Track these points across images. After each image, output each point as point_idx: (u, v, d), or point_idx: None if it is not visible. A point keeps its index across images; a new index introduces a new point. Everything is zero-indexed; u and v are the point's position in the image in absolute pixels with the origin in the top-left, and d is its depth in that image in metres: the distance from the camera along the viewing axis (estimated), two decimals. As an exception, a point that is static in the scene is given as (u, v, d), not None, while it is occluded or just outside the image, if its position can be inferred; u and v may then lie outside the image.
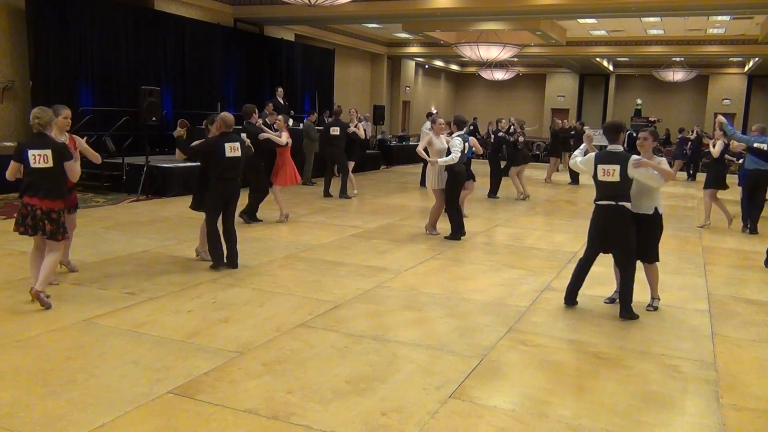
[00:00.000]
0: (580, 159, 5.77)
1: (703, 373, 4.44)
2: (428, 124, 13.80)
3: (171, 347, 4.52)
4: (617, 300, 5.70)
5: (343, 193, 12.44)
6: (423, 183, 13.91)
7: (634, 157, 5.37)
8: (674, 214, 11.56)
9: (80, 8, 12.98)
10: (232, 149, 6.53)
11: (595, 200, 5.57)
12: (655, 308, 5.76)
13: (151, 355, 4.37)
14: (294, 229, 9.04)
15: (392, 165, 19.61)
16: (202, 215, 6.91)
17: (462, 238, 8.65)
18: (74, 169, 5.36)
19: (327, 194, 12.47)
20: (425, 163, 8.66)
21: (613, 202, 5.39)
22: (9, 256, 6.91)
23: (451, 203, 8.61)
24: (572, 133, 17.73)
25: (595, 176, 5.47)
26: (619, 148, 5.48)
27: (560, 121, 18.36)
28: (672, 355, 4.73)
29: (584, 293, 6.26)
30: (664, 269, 7.43)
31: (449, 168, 8.39)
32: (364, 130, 13.75)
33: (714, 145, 10.22)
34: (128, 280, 6.14)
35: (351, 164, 12.99)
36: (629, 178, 5.34)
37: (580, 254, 6.10)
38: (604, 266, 6.18)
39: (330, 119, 14.19)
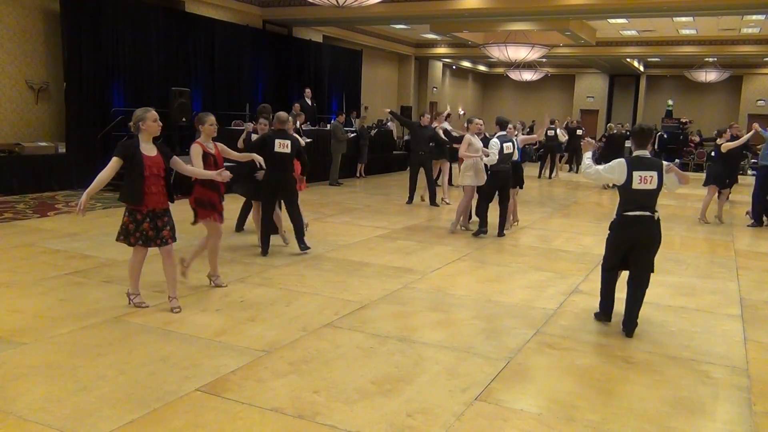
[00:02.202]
0: (601, 167, 5.20)
1: (735, 379, 4.36)
2: (446, 125, 13.70)
3: (199, 345, 4.57)
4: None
5: (433, 201, 11.70)
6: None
7: (665, 162, 5.11)
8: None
9: (113, 11, 13.20)
10: (282, 145, 7.11)
11: (624, 211, 5.04)
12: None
13: (180, 353, 4.43)
14: (320, 229, 9.08)
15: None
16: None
17: (483, 236, 8.75)
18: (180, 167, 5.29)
19: (433, 200, 11.69)
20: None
21: (648, 213, 4.98)
22: (43, 254, 7.06)
23: (484, 199, 8.86)
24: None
25: (627, 185, 4.97)
26: (647, 153, 5.11)
27: (620, 125, 17.93)
28: (703, 361, 4.65)
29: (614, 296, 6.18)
30: (696, 273, 7.33)
31: (491, 167, 8.64)
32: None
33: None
34: (157, 279, 6.21)
35: (447, 165, 12.46)
36: (661, 186, 5.00)
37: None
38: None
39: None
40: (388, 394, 3.90)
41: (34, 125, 12.57)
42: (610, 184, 15.30)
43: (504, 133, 8.70)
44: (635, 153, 5.12)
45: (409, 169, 12.09)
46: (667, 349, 4.86)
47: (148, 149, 5.07)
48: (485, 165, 8.76)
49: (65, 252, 7.17)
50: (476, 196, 9.21)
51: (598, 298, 6.06)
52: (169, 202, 5.23)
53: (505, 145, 8.53)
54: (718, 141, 10.74)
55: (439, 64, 29.10)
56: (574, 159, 19.37)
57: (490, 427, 3.56)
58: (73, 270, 6.43)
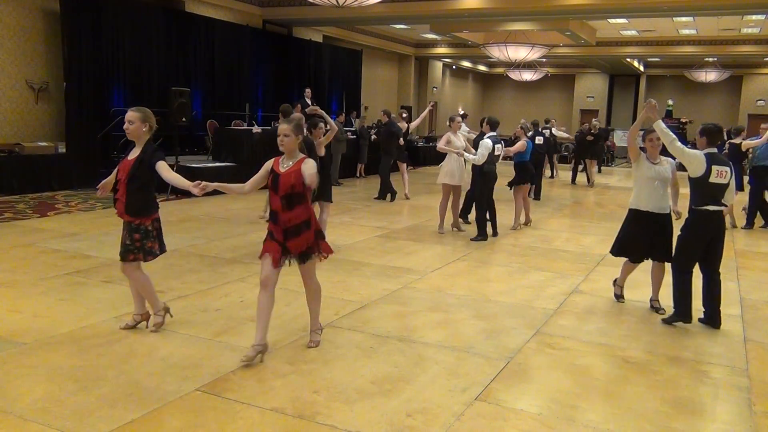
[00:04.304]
0: (687, 149, 5.21)
1: (735, 379, 4.36)
2: (463, 126, 13.69)
3: (199, 345, 4.57)
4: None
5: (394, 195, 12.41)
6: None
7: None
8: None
9: (113, 10, 13.21)
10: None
11: (701, 205, 5.13)
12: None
13: (180, 352, 4.43)
14: (321, 229, 9.07)
15: (419, 165, 19.59)
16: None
17: (484, 240, 8.63)
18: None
19: (386, 198, 12.33)
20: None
21: (720, 207, 5.14)
22: (43, 254, 7.05)
23: (479, 204, 8.66)
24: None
25: (704, 178, 5.07)
26: (715, 150, 5.23)
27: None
28: (703, 361, 4.65)
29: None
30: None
31: (478, 168, 8.39)
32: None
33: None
34: (157, 279, 6.19)
35: (403, 165, 13.14)
36: (730, 181, 5.16)
37: (610, 257, 6.07)
38: (639, 270, 6.06)
39: (382, 122, 14.00)
40: (388, 393, 3.90)
41: (34, 125, 12.56)
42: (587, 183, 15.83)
43: (494, 133, 8.44)
44: (708, 150, 5.19)
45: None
46: (667, 349, 4.86)
47: (133, 152, 4.56)
48: (480, 167, 8.42)
49: (65, 252, 7.17)
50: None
51: (598, 298, 6.10)
52: (129, 216, 4.56)
53: (496, 146, 8.33)
54: (736, 140, 10.45)
55: (439, 64, 29.10)
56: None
57: (490, 427, 3.56)
58: (73, 270, 6.43)
